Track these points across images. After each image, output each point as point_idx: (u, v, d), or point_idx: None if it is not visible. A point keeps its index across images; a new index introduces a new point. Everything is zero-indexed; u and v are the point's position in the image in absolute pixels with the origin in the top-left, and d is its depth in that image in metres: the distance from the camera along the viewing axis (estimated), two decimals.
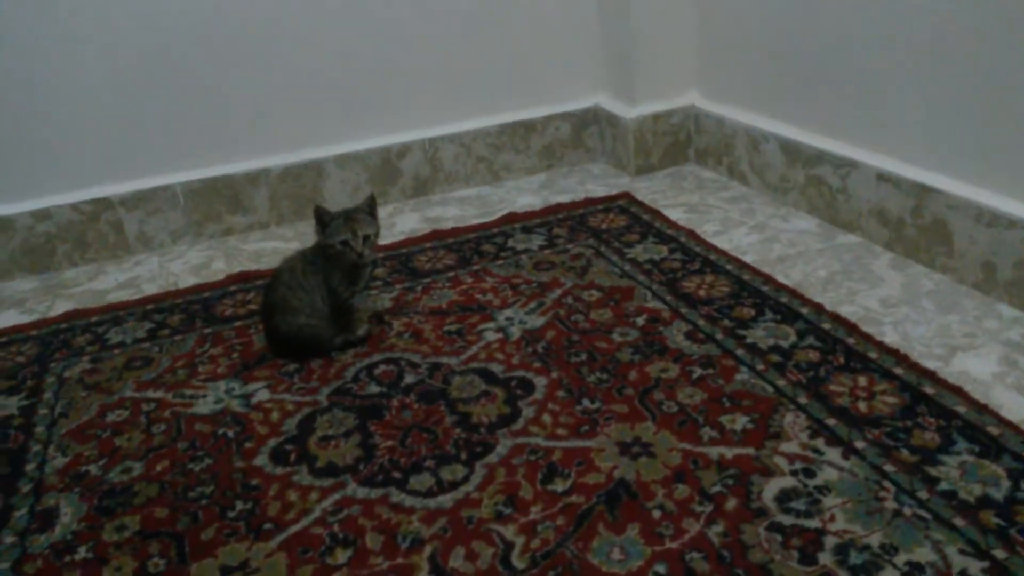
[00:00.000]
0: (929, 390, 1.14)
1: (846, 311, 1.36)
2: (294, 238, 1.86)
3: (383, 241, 1.79)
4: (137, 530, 1.03)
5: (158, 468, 1.14)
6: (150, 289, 1.69)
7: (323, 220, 1.33)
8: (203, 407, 1.27)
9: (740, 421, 1.12)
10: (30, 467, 1.17)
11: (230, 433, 1.20)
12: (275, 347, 1.38)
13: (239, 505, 1.05)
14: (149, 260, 1.83)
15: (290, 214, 1.95)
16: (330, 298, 1.35)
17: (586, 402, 1.19)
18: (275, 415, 1.23)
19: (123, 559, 0.98)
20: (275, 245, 1.84)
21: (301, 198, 1.95)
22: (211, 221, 1.90)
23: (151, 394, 1.31)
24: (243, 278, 1.68)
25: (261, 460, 1.13)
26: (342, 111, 1.95)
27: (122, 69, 1.75)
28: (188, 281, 1.70)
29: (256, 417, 1.23)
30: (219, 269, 1.75)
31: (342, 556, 0.95)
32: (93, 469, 1.15)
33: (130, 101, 1.78)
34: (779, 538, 0.92)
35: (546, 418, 1.17)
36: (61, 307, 1.64)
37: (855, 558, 0.89)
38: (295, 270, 1.35)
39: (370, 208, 1.37)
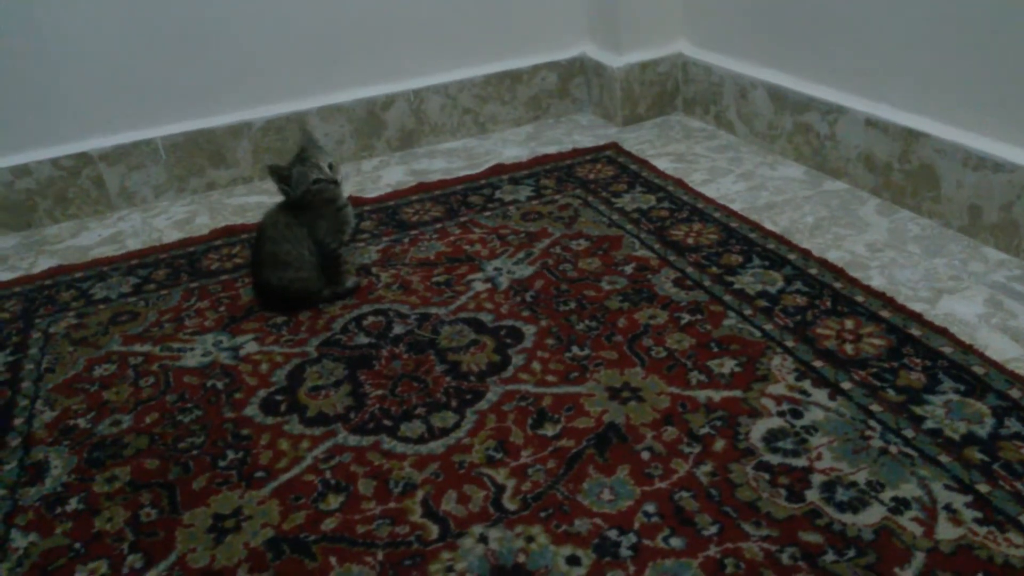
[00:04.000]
0: (915, 332, 1.15)
1: (833, 256, 1.36)
2: (278, 192, 1.84)
3: (369, 195, 1.78)
4: (128, 481, 1.03)
5: (147, 420, 1.14)
6: (134, 244, 1.67)
7: (282, 174, 1.31)
8: (191, 360, 1.26)
9: (728, 365, 1.12)
10: (18, 422, 1.16)
11: (219, 385, 1.20)
12: (265, 301, 1.37)
13: (230, 454, 1.06)
14: (132, 216, 1.81)
15: None
16: (318, 250, 1.34)
17: (575, 349, 1.19)
18: (264, 366, 1.23)
19: (115, 509, 0.99)
20: (259, 199, 1.82)
21: (284, 151, 1.92)
22: (194, 175, 1.87)
23: (138, 348, 1.30)
24: (228, 232, 1.66)
25: (251, 411, 1.13)
26: (325, 62, 1.91)
27: (101, 21, 1.70)
28: (172, 236, 1.68)
29: (245, 369, 1.23)
30: (203, 223, 1.73)
31: (335, 502, 0.96)
32: (82, 422, 1.15)
33: (110, 54, 1.73)
34: (767, 476, 0.93)
35: (536, 365, 1.17)
36: (44, 264, 1.62)
37: (842, 495, 0.90)
38: (279, 224, 1.34)
39: (311, 140, 1.35)
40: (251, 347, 1.28)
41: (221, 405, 1.15)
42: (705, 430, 1.01)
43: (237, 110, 1.88)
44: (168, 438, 1.10)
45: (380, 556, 0.88)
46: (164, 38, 1.76)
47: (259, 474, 1.02)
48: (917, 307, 1.21)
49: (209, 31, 1.79)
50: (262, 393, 1.17)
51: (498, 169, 1.84)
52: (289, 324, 1.32)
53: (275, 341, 1.29)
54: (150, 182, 1.84)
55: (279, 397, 1.15)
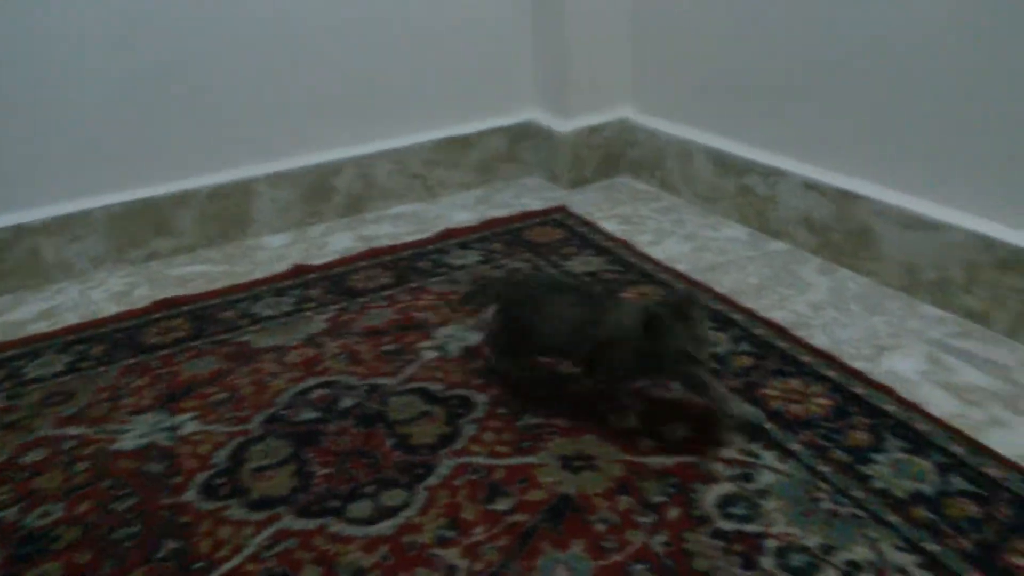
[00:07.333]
0: (859, 390, 1.17)
1: (777, 316, 1.38)
2: (222, 260, 1.81)
3: (316, 261, 1.76)
4: None
5: (80, 508, 1.08)
6: (71, 319, 1.61)
7: (655, 324, 1.02)
8: (127, 442, 1.21)
9: (680, 430, 1.12)
10: None
11: (157, 468, 1.15)
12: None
13: (168, 544, 1.01)
14: (69, 288, 1.75)
15: (218, 236, 1.90)
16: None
17: (527, 417, 1.18)
18: (204, 447, 1.18)
19: None
20: (202, 269, 1.79)
21: (229, 219, 1.90)
22: (133, 246, 1.83)
23: (71, 431, 1.25)
24: (168, 304, 1.62)
25: (190, 495, 1.09)
26: (273, 129, 1.91)
27: (28, 84, 1.68)
28: (110, 309, 1.63)
29: (184, 450, 1.18)
30: (143, 296, 1.68)
31: None
32: (10, 514, 1.08)
33: (42, 120, 1.70)
34: (722, 544, 0.92)
35: (487, 435, 1.15)
36: None
37: (796, 560, 0.90)
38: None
39: (697, 301, 1.05)
40: (191, 426, 1.23)
41: (159, 490, 1.10)
42: (659, 498, 1.00)
43: (181, 178, 1.85)
44: (102, 528, 1.04)
45: None
46: (100, 105, 1.74)
47: (198, 565, 0.97)
48: (860, 365, 1.23)
49: (148, 99, 1.77)
50: (202, 476, 1.12)
51: (447, 234, 1.84)
52: (231, 400, 1.29)
53: (216, 419, 1.24)
54: (88, 253, 1.79)
55: (220, 480, 1.11)
